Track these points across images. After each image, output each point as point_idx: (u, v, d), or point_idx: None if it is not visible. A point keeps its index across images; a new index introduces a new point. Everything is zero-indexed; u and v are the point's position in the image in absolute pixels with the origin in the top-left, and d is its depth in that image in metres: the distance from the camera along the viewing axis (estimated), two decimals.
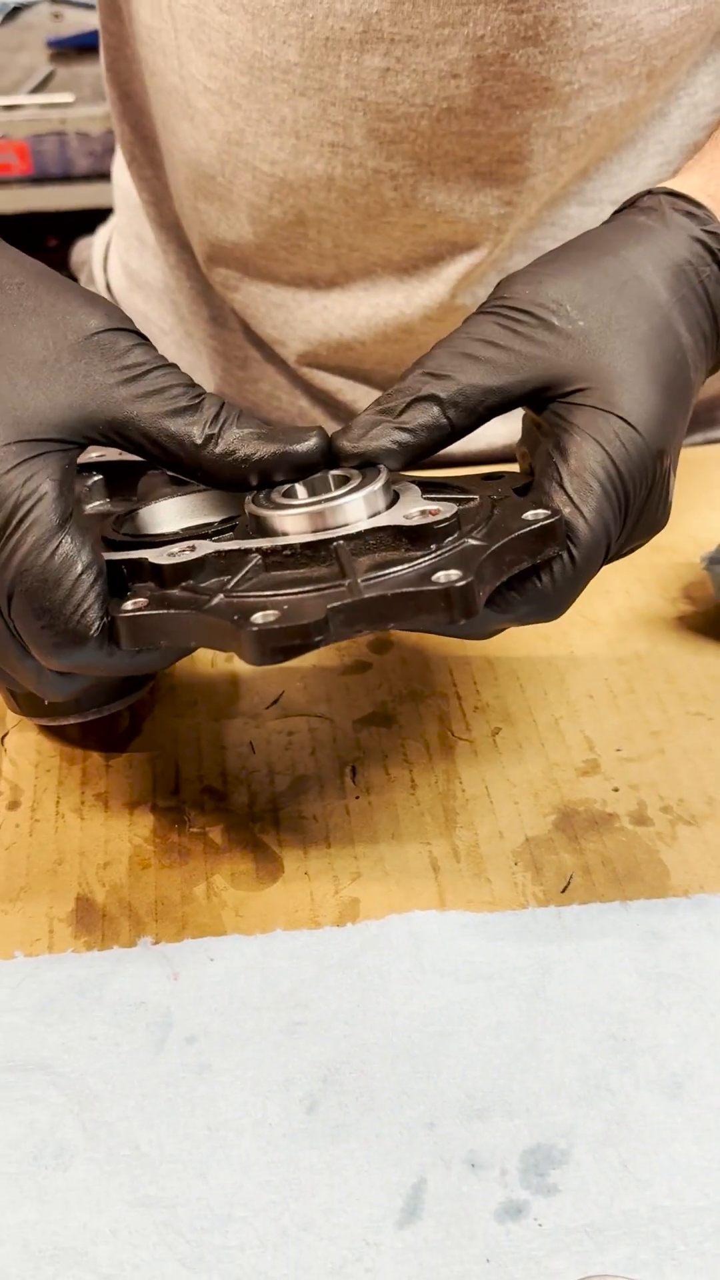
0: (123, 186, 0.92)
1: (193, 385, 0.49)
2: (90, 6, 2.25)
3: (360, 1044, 0.46)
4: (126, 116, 0.82)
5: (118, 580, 0.47)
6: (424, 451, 0.49)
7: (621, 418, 0.49)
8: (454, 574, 0.41)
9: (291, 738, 0.61)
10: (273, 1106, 0.44)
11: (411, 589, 0.42)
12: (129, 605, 0.46)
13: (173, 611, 0.45)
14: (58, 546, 0.45)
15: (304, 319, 0.80)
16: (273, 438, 0.49)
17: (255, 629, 0.41)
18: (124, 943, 0.51)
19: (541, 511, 0.46)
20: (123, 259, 0.94)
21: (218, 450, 0.48)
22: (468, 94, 0.66)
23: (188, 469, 0.49)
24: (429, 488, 0.50)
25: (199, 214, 0.79)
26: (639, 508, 0.50)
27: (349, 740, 0.60)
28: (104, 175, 1.97)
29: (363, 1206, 0.41)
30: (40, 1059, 0.46)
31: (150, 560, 0.47)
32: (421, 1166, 0.43)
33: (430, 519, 0.45)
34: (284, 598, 0.43)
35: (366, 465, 0.49)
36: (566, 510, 0.47)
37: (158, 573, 0.47)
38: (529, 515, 0.46)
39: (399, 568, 0.43)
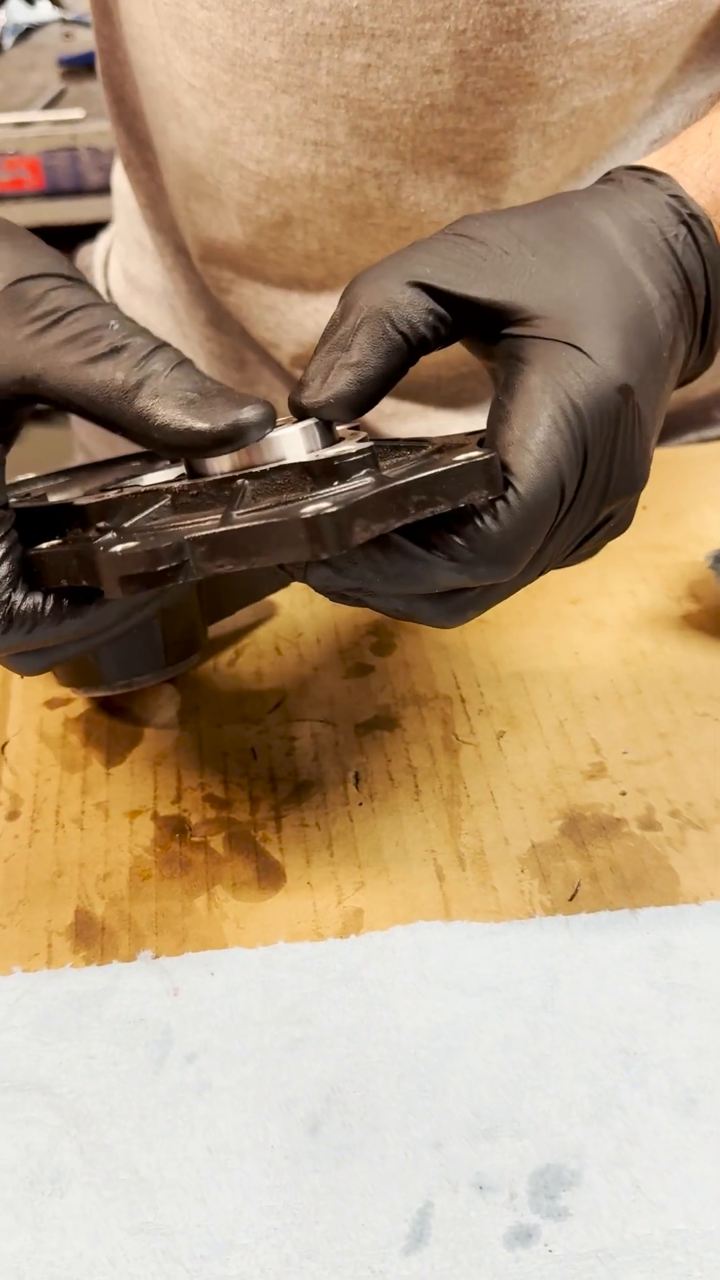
0: (121, 191, 0.91)
1: (121, 323, 0.44)
2: None
3: (364, 1061, 0.45)
4: (121, 120, 0.82)
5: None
6: (387, 380, 0.45)
7: (576, 347, 0.44)
8: (324, 504, 0.38)
9: (293, 743, 0.59)
10: (274, 1127, 0.43)
11: (273, 519, 0.38)
12: (43, 547, 0.43)
13: (65, 548, 0.42)
14: None
15: (296, 321, 0.79)
16: (203, 407, 0.43)
17: (104, 556, 0.39)
18: (123, 956, 0.50)
19: (476, 453, 0.41)
20: (123, 263, 0.94)
21: (131, 411, 0.42)
22: (450, 89, 0.64)
23: (122, 425, 0.44)
24: (384, 440, 0.46)
25: (191, 214, 0.78)
26: (606, 452, 0.44)
27: (351, 745, 0.59)
28: None
29: (368, 1233, 0.40)
30: (37, 1079, 0.45)
31: (74, 502, 0.44)
32: (428, 1189, 0.41)
33: (331, 453, 0.41)
34: (163, 533, 0.40)
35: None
36: (511, 447, 0.42)
37: (80, 516, 0.44)
38: (460, 457, 0.41)
39: (283, 505, 0.40)
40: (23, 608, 0.43)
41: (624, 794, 0.56)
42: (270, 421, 0.43)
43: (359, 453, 0.41)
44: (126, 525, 0.43)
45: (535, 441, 0.43)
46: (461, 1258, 0.40)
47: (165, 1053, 0.46)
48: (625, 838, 0.54)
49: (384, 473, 0.41)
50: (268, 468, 0.42)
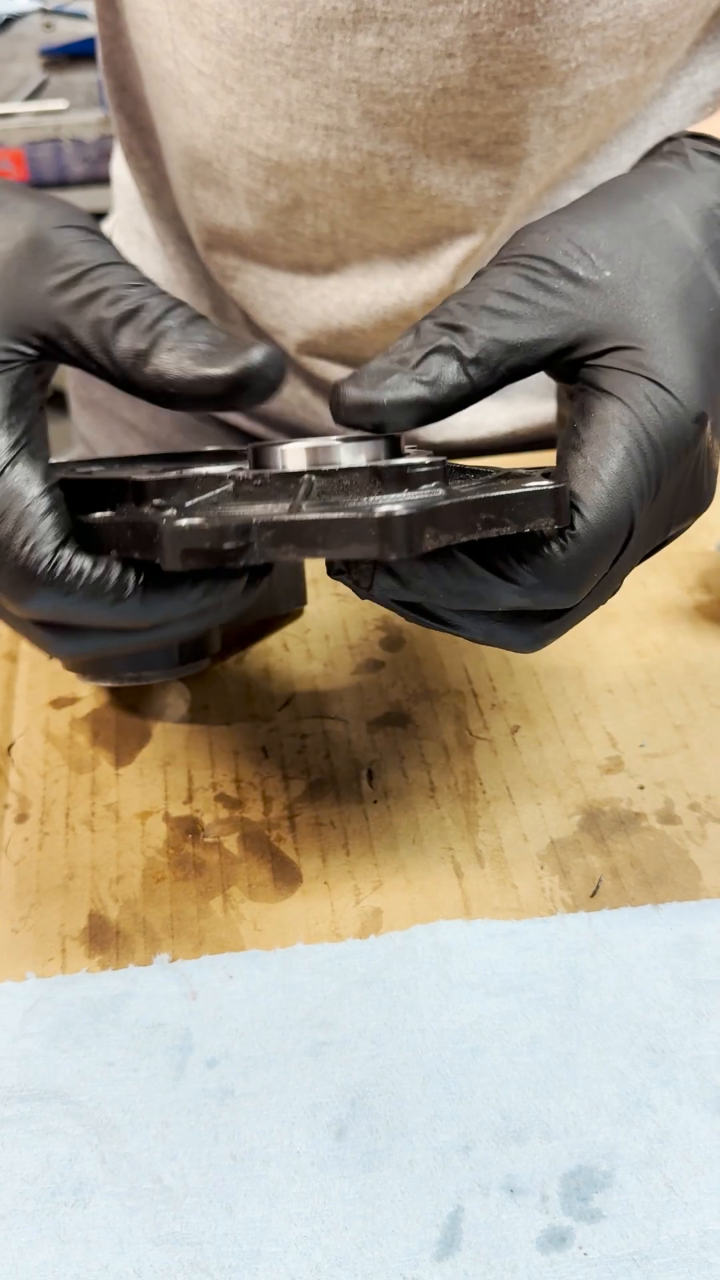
0: (121, 181, 0.90)
1: (139, 284, 0.43)
2: (81, 16, 2.30)
3: (389, 1064, 0.44)
4: (123, 108, 0.81)
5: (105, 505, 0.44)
6: (442, 411, 0.43)
7: (654, 380, 0.43)
8: (399, 506, 0.38)
9: (305, 741, 0.59)
10: (300, 1133, 0.43)
11: (345, 514, 0.38)
12: (96, 515, 0.42)
13: (120, 518, 0.41)
14: (3, 471, 0.41)
15: (303, 307, 0.78)
16: (214, 356, 0.41)
17: (170, 529, 0.38)
18: (139, 961, 0.49)
19: (546, 482, 0.41)
20: (123, 253, 0.93)
21: (148, 371, 0.42)
22: (463, 73, 0.64)
23: (132, 390, 0.43)
24: (458, 464, 0.46)
25: (196, 201, 0.77)
26: (675, 483, 0.44)
27: (364, 742, 0.58)
28: (99, 180, 1.98)
29: (398, 1239, 0.40)
30: (56, 1087, 0.44)
31: (133, 478, 0.43)
32: (458, 1194, 0.41)
33: (402, 460, 0.41)
34: (230, 512, 0.40)
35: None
36: (582, 475, 0.42)
37: (137, 491, 0.43)
38: (531, 484, 0.41)
39: (351, 504, 0.40)
40: (74, 568, 0.40)
41: (642, 788, 0.55)
42: (279, 363, 0.42)
43: (431, 464, 0.41)
44: (188, 505, 0.42)
45: (608, 472, 0.42)
46: (494, 1262, 0.39)
47: (185, 1058, 0.45)
48: (645, 832, 0.53)
49: (454, 486, 0.41)
50: (337, 468, 0.41)
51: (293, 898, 0.51)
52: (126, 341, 0.42)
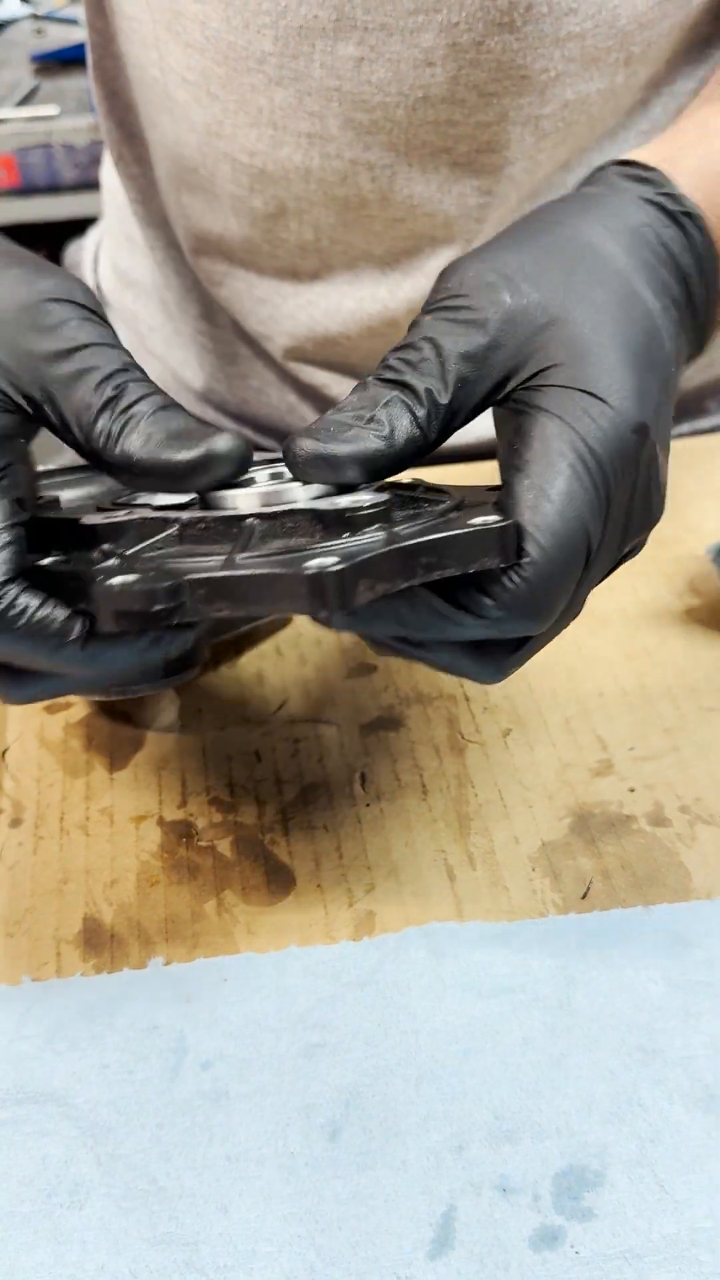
0: (110, 186, 0.91)
1: (125, 369, 0.44)
2: (72, 22, 2.30)
3: (382, 1065, 0.45)
4: (113, 114, 0.81)
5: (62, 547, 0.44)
6: (400, 463, 0.43)
7: (589, 392, 0.42)
8: (329, 560, 0.36)
9: (298, 745, 0.59)
10: (294, 1134, 0.43)
11: (275, 570, 0.37)
12: (45, 561, 0.42)
13: (66, 566, 0.41)
14: None
15: (289, 313, 0.79)
16: (179, 441, 0.42)
17: (101, 590, 0.38)
18: (134, 964, 0.49)
19: (492, 518, 0.40)
20: (112, 259, 0.93)
21: (116, 453, 0.43)
22: (443, 82, 0.64)
23: (102, 467, 0.44)
24: (402, 487, 0.45)
25: (183, 207, 0.78)
26: (627, 494, 0.43)
27: (357, 746, 0.59)
28: (90, 186, 1.98)
29: (392, 1238, 0.40)
30: (51, 1089, 0.45)
31: (81, 521, 0.43)
32: (451, 1193, 0.41)
33: (342, 504, 0.40)
34: (164, 569, 0.39)
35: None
36: (530, 495, 0.41)
37: (85, 536, 0.43)
38: (476, 520, 0.40)
39: (288, 553, 0.39)
40: (17, 606, 0.40)
41: (632, 790, 0.56)
42: (243, 454, 0.42)
43: (373, 505, 0.40)
44: (129, 553, 0.41)
45: (557, 492, 0.41)
46: (487, 1261, 0.39)
47: (180, 1060, 0.45)
48: (635, 834, 0.54)
49: (397, 528, 0.40)
50: (279, 509, 0.41)
51: (286, 901, 0.51)
52: (102, 423, 0.43)
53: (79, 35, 0.80)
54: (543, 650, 0.62)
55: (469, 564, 0.40)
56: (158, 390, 0.44)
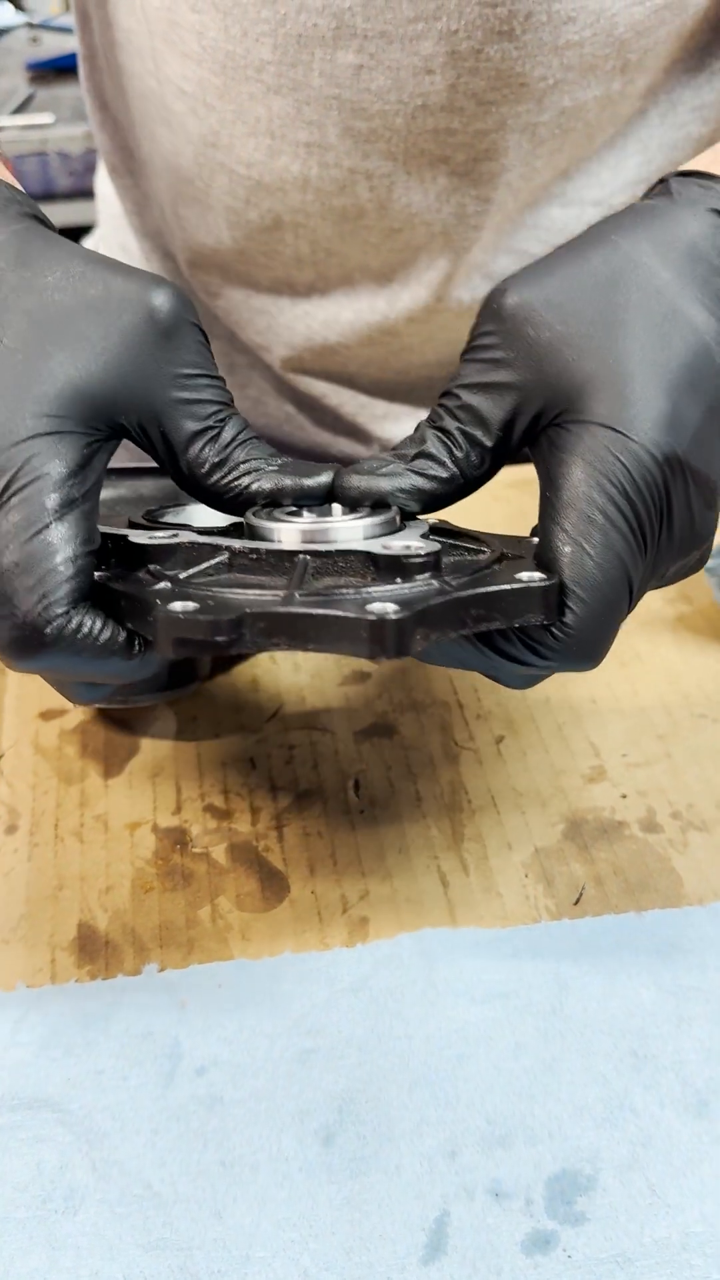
0: (105, 197, 0.91)
1: (225, 406, 0.46)
2: (67, 30, 2.31)
3: (376, 1071, 0.45)
4: (106, 126, 0.81)
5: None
6: (440, 500, 0.46)
7: (617, 430, 0.42)
8: (390, 608, 0.38)
9: (292, 752, 0.59)
10: (288, 1140, 0.43)
11: (338, 612, 0.38)
12: (98, 574, 0.43)
13: (119, 585, 0.42)
14: (40, 532, 0.41)
15: (286, 324, 0.79)
16: (282, 473, 0.45)
17: (164, 616, 0.39)
18: (129, 970, 0.49)
19: (536, 575, 0.42)
20: None
21: (220, 482, 0.45)
22: (442, 90, 0.64)
23: (192, 492, 0.46)
24: (446, 534, 0.46)
25: (179, 220, 0.78)
26: (664, 525, 0.43)
27: (350, 753, 0.59)
28: (85, 193, 1.99)
29: (385, 1243, 0.40)
30: (46, 1096, 0.45)
31: (129, 539, 0.44)
32: (444, 1198, 0.41)
33: (398, 551, 0.41)
34: (224, 595, 0.40)
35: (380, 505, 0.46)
36: (568, 550, 0.42)
37: (132, 553, 0.44)
38: (522, 575, 0.42)
39: (345, 593, 0.40)
40: (91, 632, 0.41)
41: (624, 797, 0.56)
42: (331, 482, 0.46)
43: (426, 554, 0.41)
44: (183, 576, 0.42)
45: (595, 547, 0.42)
46: (480, 1265, 0.39)
47: (175, 1066, 0.46)
48: (628, 840, 0.54)
49: (446, 578, 0.41)
50: (332, 549, 0.42)
51: (280, 907, 0.52)
52: (207, 453, 0.45)
53: (74, 44, 0.80)
54: None
55: (515, 618, 0.41)
56: (245, 425, 0.46)
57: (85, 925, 0.51)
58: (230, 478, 0.45)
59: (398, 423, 0.83)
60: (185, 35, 0.67)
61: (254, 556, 0.42)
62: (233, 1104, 0.44)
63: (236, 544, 0.43)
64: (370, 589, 0.40)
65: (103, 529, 0.45)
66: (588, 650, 0.43)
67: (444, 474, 0.45)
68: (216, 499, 0.46)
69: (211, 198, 0.74)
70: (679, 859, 0.53)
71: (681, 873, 0.52)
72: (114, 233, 0.90)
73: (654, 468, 0.42)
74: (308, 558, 0.42)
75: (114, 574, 0.43)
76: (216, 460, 0.45)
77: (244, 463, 0.45)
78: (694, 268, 0.46)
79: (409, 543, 0.42)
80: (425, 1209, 0.41)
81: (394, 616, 0.37)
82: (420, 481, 0.45)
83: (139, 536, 0.44)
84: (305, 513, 0.45)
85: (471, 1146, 0.43)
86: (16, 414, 0.41)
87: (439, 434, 0.45)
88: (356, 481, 0.45)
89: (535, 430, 0.45)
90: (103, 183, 0.91)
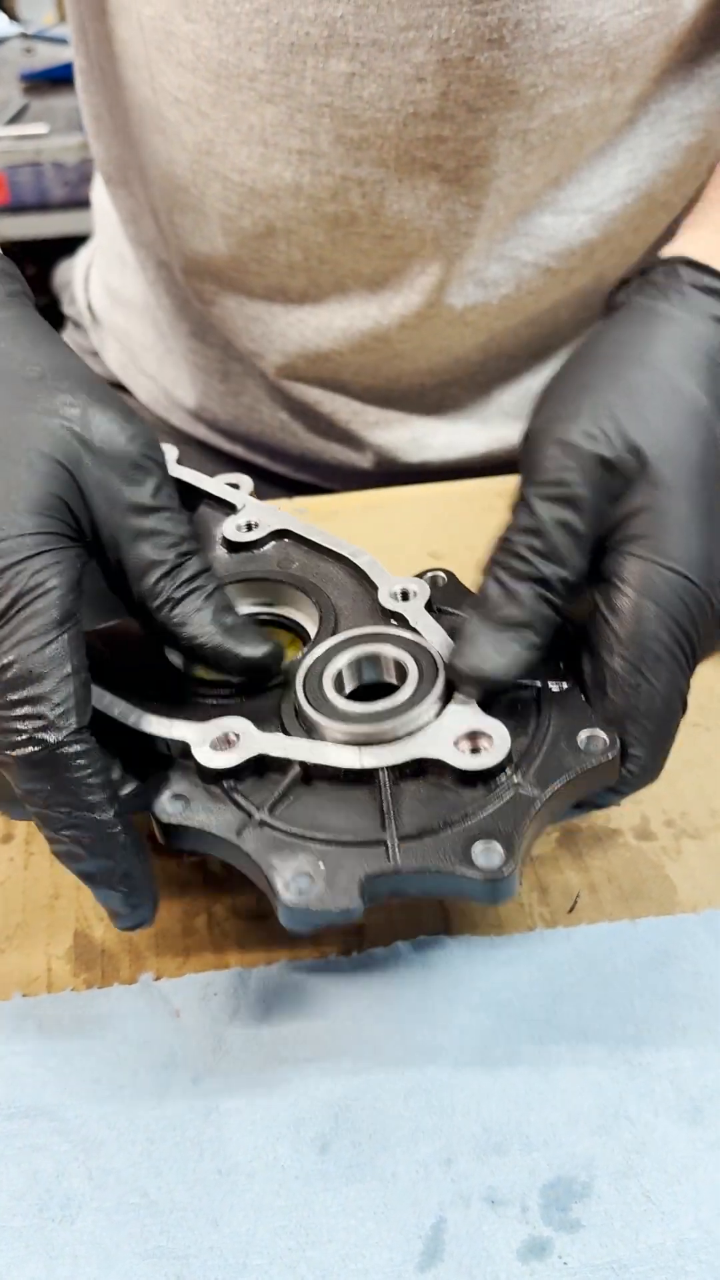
0: (101, 207, 0.91)
1: (184, 541, 0.47)
2: (62, 41, 2.32)
3: (371, 1079, 0.45)
4: (102, 136, 0.82)
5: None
6: (541, 652, 0.46)
7: (676, 571, 0.45)
8: (497, 857, 0.41)
9: None
10: (284, 1148, 0.43)
11: (451, 869, 0.41)
12: (169, 806, 0.44)
13: (213, 833, 0.44)
14: (50, 642, 0.42)
15: (279, 331, 0.80)
16: (227, 634, 0.47)
17: (288, 905, 0.41)
18: (125, 978, 0.49)
19: (599, 739, 0.44)
20: (104, 278, 0.94)
21: (170, 622, 0.47)
22: (433, 97, 0.65)
23: (141, 622, 0.48)
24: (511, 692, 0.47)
25: (174, 227, 0.78)
26: (706, 645, 0.47)
27: None
28: (79, 203, 1.99)
29: (382, 1250, 0.40)
30: (43, 1105, 0.45)
31: (196, 759, 0.45)
32: (440, 1205, 0.41)
33: (478, 762, 0.43)
34: (321, 845, 0.42)
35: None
36: (633, 682, 0.45)
37: (200, 768, 0.45)
38: (583, 739, 0.44)
39: (440, 829, 0.42)
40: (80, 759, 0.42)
41: (619, 805, 0.56)
42: (279, 659, 0.48)
43: (502, 760, 0.43)
44: (269, 810, 0.44)
45: (662, 680, 0.45)
46: (476, 1272, 0.40)
47: (170, 1076, 0.46)
48: (622, 848, 0.54)
49: (525, 779, 0.43)
50: (404, 761, 0.44)
51: (276, 916, 0.52)
52: (163, 586, 0.46)
53: (69, 54, 0.81)
54: None
55: (594, 786, 0.45)
56: (207, 570, 0.48)
57: (81, 934, 0.51)
58: (177, 623, 0.47)
59: (390, 429, 0.83)
60: (180, 44, 0.67)
61: (329, 774, 0.44)
62: (229, 1113, 0.44)
63: (306, 755, 0.44)
64: (464, 813, 0.42)
65: (154, 729, 0.46)
66: (654, 775, 0.47)
67: (549, 628, 0.46)
68: (161, 634, 0.47)
69: (206, 205, 0.74)
70: (673, 866, 0.53)
71: (675, 880, 0.53)
72: (110, 242, 0.91)
73: (706, 605, 0.45)
74: (385, 773, 0.44)
75: (194, 798, 0.44)
76: (169, 597, 0.47)
77: (195, 612, 0.47)
78: (715, 386, 0.48)
79: (472, 729, 0.44)
80: (421, 1216, 0.41)
81: (505, 872, 0.40)
82: (530, 654, 0.45)
83: (210, 758, 0.45)
84: (345, 676, 0.47)
85: (467, 1154, 0.43)
86: (13, 509, 0.43)
87: (538, 585, 0.45)
88: (471, 669, 0.45)
89: (596, 553, 0.47)
90: (99, 193, 0.91)
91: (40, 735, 0.41)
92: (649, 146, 0.73)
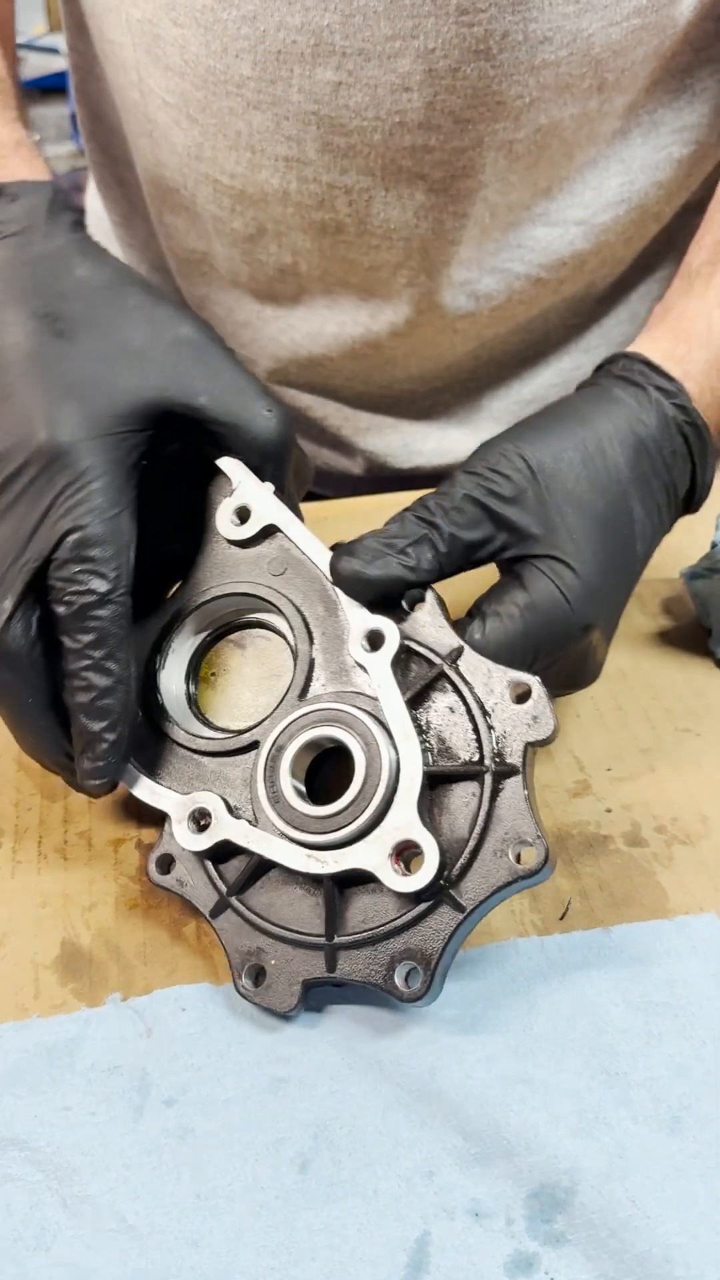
0: (94, 211, 0.91)
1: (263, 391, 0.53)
2: (52, 50, 2.32)
3: (348, 1096, 0.45)
4: (96, 137, 0.82)
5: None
6: (416, 585, 0.51)
7: (560, 588, 0.51)
8: (416, 985, 0.45)
9: None
10: (263, 1168, 0.43)
11: (377, 984, 0.46)
12: (156, 868, 0.50)
13: (191, 904, 0.50)
14: (116, 515, 0.48)
15: (271, 335, 0.80)
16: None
17: (241, 991, 0.47)
18: (113, 987, 0.49)
19: (531, 851, 0.46)
20: None
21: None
22: (419, 107, 0.65)
23: (241, 447, 0.53)
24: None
25: (166, 228, 0.79)
26: (558, 663, 0.52)
27: None
28: None
29: (366, 1266, 0.40)
30: (13, 1134, 0.44)
31: (176, 841, 0.50)
32: (424, 1218, 0.41)
33: (408, 884, 0.46)
34: (273, 939, 0.48)
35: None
36: (477, 636, 0.50)
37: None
38: (514, 853, 0.46)
39: (375, 940, 0.46)
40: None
41: (609, 811, 0.56)
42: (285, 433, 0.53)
43: (429, 884, 0.46)
44: (237, 892, 0.49)
45: (511, 639, 0.51)
46: None
47: (144, 1099, 0.45)
48: (613, 854, 0.54)
49: (456, 884, 0.47)
50: (344, 870, 0.47)
51: None
52: (255, 408, 0.53)
53: (59, 64, 0.82)
54: None
55: (516, 891, 0.47)
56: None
57: (69, 943, 0.51)
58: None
59: (380, 435, 0.83)
60: (168, 49, 0.67)
61: (289, 871, 0.48)
62: (205, 1135, 0.44)
63: (265, 854, 0.48)
64: (397, 919, 0.46)
65: (150, 799, 0.51)
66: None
67: (426, 567, 0.51)
68: (259, 445, 0.53)
69: (198, 206, 0.74)
70: (664, 873, 0.53)
71: (666, 886, 0.52)
72: (104, 245, 0.91)
73: (573, 629, 0.51)
74: (329, 881, 0.47)
75: (172, 864, 0.50)
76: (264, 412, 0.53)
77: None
78: (641, 466, 0.56)
79: (412, 878, 0.46)
80: (405, 1230, 0.41)
81: (421, 994, 0.45)
82: (404, 574, 0.51)
83: (185, 838, 0.49)
84: (308, 806, 0.49)
85: (449, 1165, 0.42)
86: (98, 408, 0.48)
87: (430, 529, 0.52)
88: (349, 566, 0.51)
89: (497, 554, 0.53)
90: (92, 199, 0.91)
91: (96, 586, 0.47)
92: (641, 158, 0.73)
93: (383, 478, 0.84)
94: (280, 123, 0.67)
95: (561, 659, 0.51)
